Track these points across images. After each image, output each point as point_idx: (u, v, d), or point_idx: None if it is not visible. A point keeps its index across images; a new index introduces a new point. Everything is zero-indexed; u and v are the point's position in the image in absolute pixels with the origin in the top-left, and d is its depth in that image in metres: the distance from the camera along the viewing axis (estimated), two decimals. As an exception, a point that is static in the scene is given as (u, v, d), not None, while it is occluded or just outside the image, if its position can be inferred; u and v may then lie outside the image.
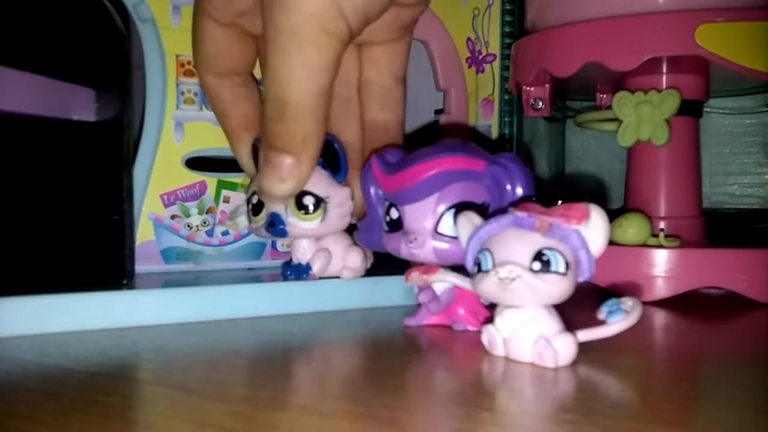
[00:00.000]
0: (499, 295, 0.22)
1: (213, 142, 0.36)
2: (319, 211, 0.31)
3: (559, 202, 0.23)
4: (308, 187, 0.30)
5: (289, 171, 0.28)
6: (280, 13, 0.26)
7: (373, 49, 0.32)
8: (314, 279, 0.32)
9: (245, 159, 0.33)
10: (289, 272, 0.31)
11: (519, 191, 0.26)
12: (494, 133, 0.46)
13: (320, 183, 0.31)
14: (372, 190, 0.30)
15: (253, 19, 0.30)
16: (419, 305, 0.29)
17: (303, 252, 0.32)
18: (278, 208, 0.30)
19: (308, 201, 0.30)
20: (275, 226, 0.30)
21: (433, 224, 0.27)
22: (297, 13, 0.25)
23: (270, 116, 0.27)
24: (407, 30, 0.32)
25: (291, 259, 0.32)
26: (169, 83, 0.35)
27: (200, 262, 0.36)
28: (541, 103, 0.41)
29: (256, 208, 0.31)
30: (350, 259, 0.32)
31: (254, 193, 0.31)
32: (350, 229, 0.32)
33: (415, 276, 0.27)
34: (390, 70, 0.33)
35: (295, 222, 0.30)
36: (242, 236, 0.37)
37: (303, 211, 0.30)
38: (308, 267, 0.31)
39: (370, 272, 0.33)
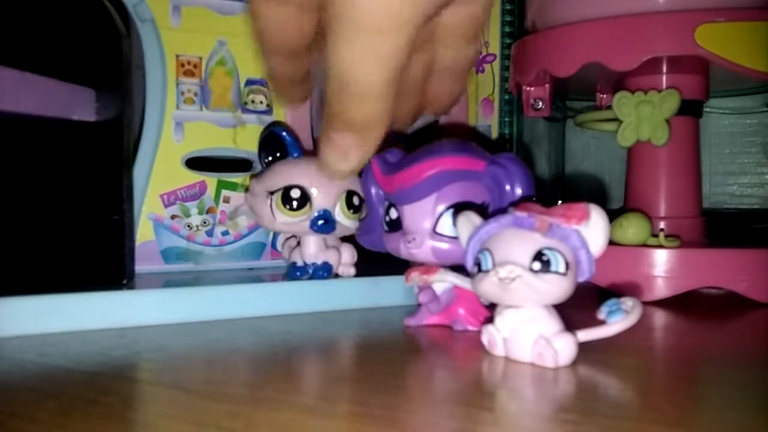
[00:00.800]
0: (499, 295, 0.22)
1: (213, 142, 0.36)
2: (361, 210, 0.32)
3: (559, 202, 0.23)
4: (354, 187, 0.31)
5: (352, 147, 0.27)
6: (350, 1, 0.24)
7: None
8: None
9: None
10: (320, 272, 0.32)
11: (518, 191, 0.26)
12: (494, 133, 0.46)
13: (359, 183, 0.32)
14: (373, 190, 0.30)
15: None
16: (419, 305, 0.29)
17: (314, 253, 0.32)
18: (329, 206, 0.31)
19: (357, 200, 0.32)
20: (328, 223, 0.31)
21: (431, 224, 0.27)
22: (371, 2, 0.23)
23: (333, 96, 0.26)
24: None
25: (294, 261, 0.32)
26: (169, 83, 0.35)
27: (200, 262, 0.36)
28: (541, 103, 0.41)
29: (299, 203, 0.31)
30: (346, 255, 0.33)
31: (293, 187, 0.31)
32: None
33: (414, 276, 0.27)
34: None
35: (341, 220, 0.31)
36: (242, 236, 0.37)
37: (352, 210, 0.31)
38: (328, 266, 0.32)
39: (370, 272, 0.33)
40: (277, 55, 0.30)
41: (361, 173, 0.30)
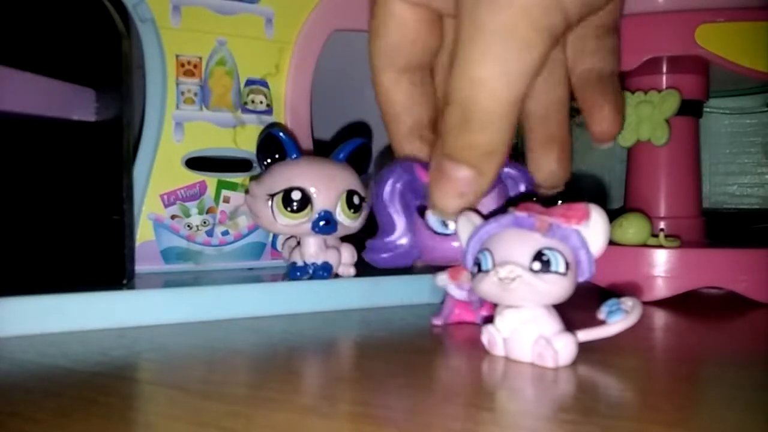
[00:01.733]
0: (499, 295, 0.22)
1: (213, 142, 0.36)
2: (361, 210, 0.32)
3: (559, 202, 0.23)
4: (354, 186, 0.32)
5: (469, 185, 0.24)
6: (486, 7, 0.22)
7: None
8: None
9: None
10: (320, 272, 0.32)
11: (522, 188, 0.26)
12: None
13: (359, 183, 0.32)
14: (398, 203, 0.27)
15: None
16: (443, 303, 0.29)
17: (314, 253, 0.32)
18: (329, 206, 0.31)
19: (357, 200, 0.32)
20: (330, 224, 0.31)
21: None
22: (507, 10, 0.22)
23: (452, 123, 0.23)
24: None
25: (294, 261, 0.32)
26: (169, 83, 0.35)
27: (200, 262, 0.36)
28: (541, 103, 0.41)
29: (300, 205, 0.31)
30: (346, 255, 0.33)
31: (293, 189, 0.31)
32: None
33: (443, 278, 0.27)
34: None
35: (342, 220, 0.32)
36: (242, 236, 0.37)
37: (352, 210, 0.32)
38: (328, 266, 0.32)
39: (370, 272, 0.33)
40: (396, 70, 0.28)
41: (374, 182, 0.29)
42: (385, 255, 0.28)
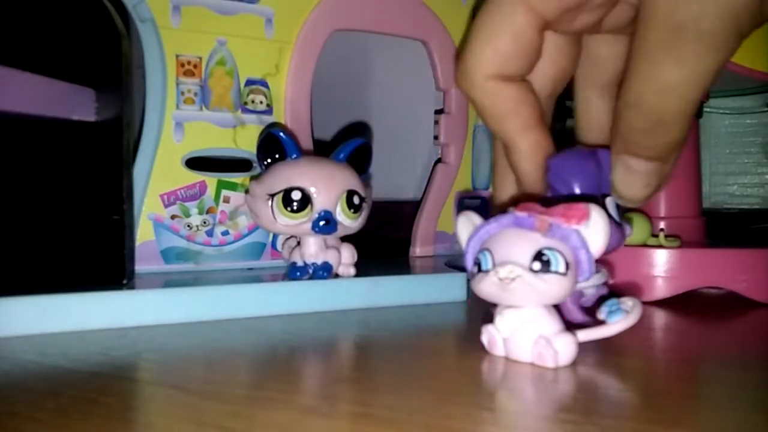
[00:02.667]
0: (499, 295, 0.22)
1: (213, 142, 0.36)
2: (361, 210, 0.32)
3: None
4: (355, 186, 0.32)
5: (655, 175, 0.25)
6: (676, 2, 0.21)
7: None
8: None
9: (527, 164, 0.28)
10: (320, 272, 0.32)
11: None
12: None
13: (359, 183, 0.32)
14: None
15: (581, 15, 0.26)
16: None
17: (314, 253, 0.32)
18: (329, 206, 0.31)
19: (357, 200, 0.32)
20: (330, 224, 0.31)
21: None
22: (707, 2, 0.20)
23: (636, 125, 0.23)
24: None
25: (294, 261, 0.32)
26: (169, 83, 0.35)
27: (200, 262, 0.36)
28: (541, 103, 0.41)
29: (300, 205, 0.31)
30: (346, 255, 0.33)
31: (293, 189, 0.31)
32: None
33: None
34: None
35: (342, 220, 0.31)
36: (242, 236, 0.37)
37: (352, 210, 0.32)
38: (328, 266, 0.32)
39: (370, 272, 0.33)
40: (500, 78, 0.27)
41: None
42: None
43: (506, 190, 0.29)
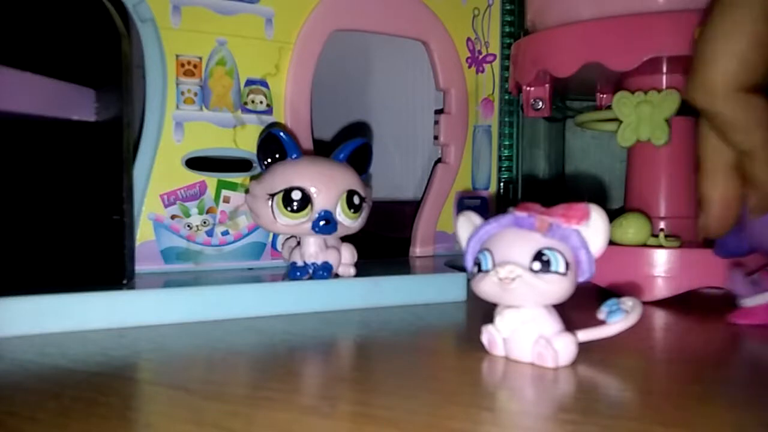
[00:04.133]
0: (499, 295, 0.22)
1: (213, 142, 0.36)
2: (361, 210, 0.32)
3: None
4: (355, 186, 0.32)
5: None
6: None
7: None
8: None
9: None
10: (320, 272, 0.32)
11: None
12: (494, 133, 0.46)
13: (360, 183, 0.32)
14: None
15: None
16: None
17: (314, 253, 0.32)
18: (329, 206, 0.31)
19: (357, 200, 0.32)
20: (330, 224, 0.31)
21: None
22: None
23: None
24: None
25: (294, 261, 0.32)
26: (169, 83, 0.35)
27: (200, 262, 0.36)
28: (541, 103, 0.41)
29: (300, 204, 0.31)
30: (346, 255, 0.33)
31: (293, 189, 0.31)
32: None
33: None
34: None
35: (342, 220, 0.32)
36: (242, 236, 0.37)
37: (352, 210, 0.32)
38: (328, 266, 0.32)
39: (370, 272, 0.33)
40: (743, 91, 0.26)
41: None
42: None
43: (718, 189, 0.29)
